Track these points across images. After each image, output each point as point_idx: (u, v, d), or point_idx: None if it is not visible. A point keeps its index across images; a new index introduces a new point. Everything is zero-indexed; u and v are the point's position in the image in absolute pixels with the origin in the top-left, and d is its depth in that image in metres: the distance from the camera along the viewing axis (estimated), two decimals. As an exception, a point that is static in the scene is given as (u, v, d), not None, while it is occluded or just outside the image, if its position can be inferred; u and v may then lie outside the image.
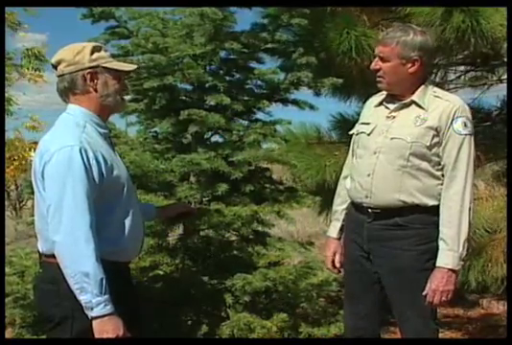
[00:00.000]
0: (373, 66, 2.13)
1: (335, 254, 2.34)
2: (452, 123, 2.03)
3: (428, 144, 2.04)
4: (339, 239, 2.35)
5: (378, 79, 2.14)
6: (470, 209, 2.05)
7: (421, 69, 2.09)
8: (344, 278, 2.38)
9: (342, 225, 2.34)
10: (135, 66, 2.03)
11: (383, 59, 2.10)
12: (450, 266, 2.02)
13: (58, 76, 1.90)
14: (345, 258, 2.32)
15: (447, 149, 2.05)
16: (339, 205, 2.36)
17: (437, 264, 2.03)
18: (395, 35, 2.06)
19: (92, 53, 1.88)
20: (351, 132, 2.32)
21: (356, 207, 2.23)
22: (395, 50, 2.06)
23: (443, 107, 2.06)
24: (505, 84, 3.95)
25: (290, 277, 2.70)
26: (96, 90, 1.88)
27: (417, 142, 2.05)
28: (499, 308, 4.08)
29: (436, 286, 2.02)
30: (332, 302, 3.16)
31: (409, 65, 2.07)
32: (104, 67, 1.88)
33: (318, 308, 2.93)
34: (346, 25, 3.32)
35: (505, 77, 4.00)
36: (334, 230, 2.36)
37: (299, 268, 2.82)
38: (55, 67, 1.91)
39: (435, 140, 2.05)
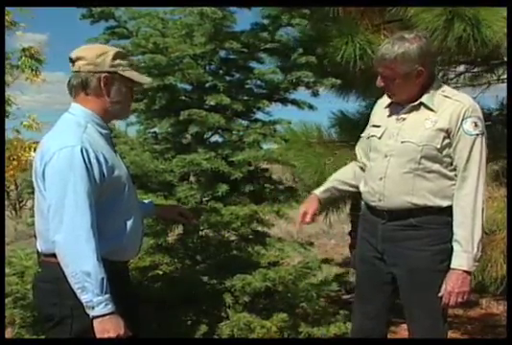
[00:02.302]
0: (378, 84, 2.12)
1: (310, 208, 2.35)
2: (462, 123, 2.01)
3: (438, 146, 2.03)
4: (319, 199, 2.37)
5: (386, 92, 2.14)
6: (483, 209, 2.03)
7: (427, 74, 2.07)
8: (356, 278, 2.38)
9: (328, 190, 2.39)
10: (150, 80, 2.06)
11: (386, 78, 2.08)
12: (465, 268, 2.01)
13: (74, 71, 1.89)
14: (358, 258, 2.33)
15: (458, 149, 2.03)
16: (339, 177, 2.41)
17: (452, 266, 2.03)
18: (392, 53, 2.02)
19: (115, 58, 1.88)
20: (362, 135, 2.32)
21: (370, 209, 2.23)
22: (396, 69, 2.03)
23: (453, 108, 2.03)
24: (505, 84, 3.96)
25: (290, 277, 2.70)
26: (108, 95, 1.89)
27: (428, 145, 2.03)
28: (498, 308, 4.08)
29: (452, 287, 2.02)
30: (332, 302, 3.16)
31: (414, 78, 2.05)
32: (121, 75, 1.89)
33: (318, 308, 2.92)
34: (349, 32, 3.30)
35: (505, 76, 4.00)
36: (319, 189, 2.41)
37: (299, 268, 2.81)
38: (72, 62, 1.90)
39: (446, 141, 2.03)
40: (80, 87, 1.89)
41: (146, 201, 2.34)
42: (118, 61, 1.89)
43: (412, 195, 2.07)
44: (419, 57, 2.02)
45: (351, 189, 2.40)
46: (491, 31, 3.03)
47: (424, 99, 2.08)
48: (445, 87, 2.13)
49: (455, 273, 2.02)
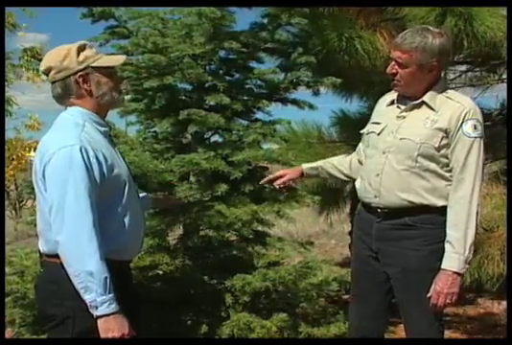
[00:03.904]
0: (389, 70, 2.11)
1: (286, 176, 2.49)
2: (461, 125, 2.02)
3: (436, 145, 2.03)
4: (303, 173, 2.50)
5: (394, 82, 2.12)
6: (477, 213, 2.03)
7: (437, 72, 2.08)
8: (352, 277, 2.38)
9: (316, 168, 2.49)
10: (124, 57, 1.99)
11: (400, 65, 2.07)
12: (455, 269, 2.01)
13: (51, 82, 1.89)
14: (353, 257, 2.33)
15: (455, 151, 2.03)
16: (332, 161, 2.48)
17: (442, 267, 2.03)
18: (414, 41, 2.02)
19: (78, 54, 1.85)
20: (362, 131, 2.32)
21: (365, 207, 2.23)
22: (413, 57, 2.03)
23: (454, 109, 2.04)
24: (505, 84, 3.95)
25: (290, 277, 2.70)
26: (91, 92, 1.87)
27: (425, 143, 2.04)
28: (497, 307, 4.08)
29: (441, 288, 2.02)
30: (332, 302, 3.16)
31: (427, 71, 2.05)
32: (93, 67, 1.86)
33: (318, 308, 2.92)
34: (340, 26, 3.32)
35: (505, 76, 3.99)
36: (308, 164, 2.52)
37: (299, 268, 2.82)
38: (46, 74, 1.90)
39: (444, 142, 2.04)
40: (63, 95, 1.88)
41: (142, 195, 2.32)
42: (83, 55, 1.86)
43: (408, 192, 2.07)
44: (438, 53, 2.02)
45: (340, 176, 2.44)
46: (484, 26, 3.03)
47: (426, 97, 2.09)
48: (449, 90, 2.14)
49: (445, 274, 2.02)
